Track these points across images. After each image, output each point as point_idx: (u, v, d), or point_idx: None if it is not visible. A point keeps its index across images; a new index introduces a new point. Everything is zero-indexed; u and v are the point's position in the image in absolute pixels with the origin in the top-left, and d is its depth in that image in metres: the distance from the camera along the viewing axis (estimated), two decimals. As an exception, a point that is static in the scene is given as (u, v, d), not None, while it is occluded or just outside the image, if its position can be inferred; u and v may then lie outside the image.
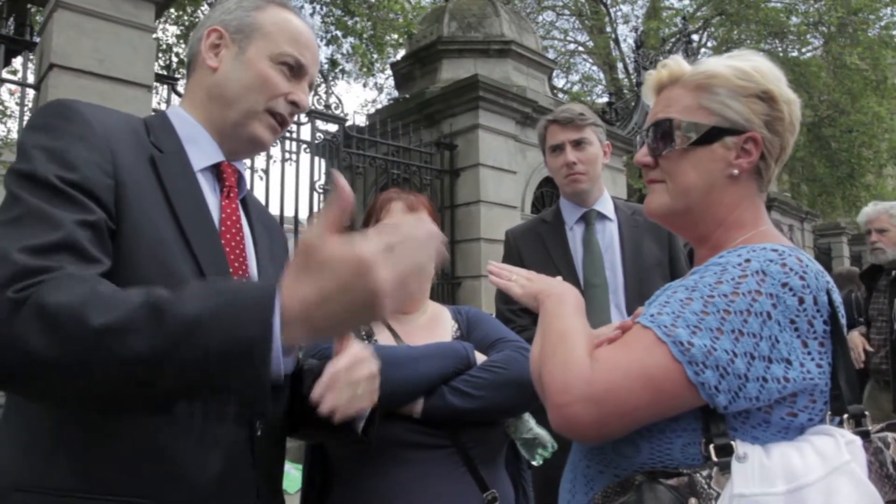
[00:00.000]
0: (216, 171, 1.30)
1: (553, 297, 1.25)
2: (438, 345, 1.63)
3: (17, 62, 6.00)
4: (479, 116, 6.80)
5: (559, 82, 18.82)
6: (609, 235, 2.48)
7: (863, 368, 4.13)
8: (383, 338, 1.71)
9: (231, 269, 1.22)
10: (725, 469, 0.94)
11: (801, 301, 1.00)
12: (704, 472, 0.95)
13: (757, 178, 1.20)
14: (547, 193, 7.84)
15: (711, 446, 0.97)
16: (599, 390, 0.98)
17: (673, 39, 12.72)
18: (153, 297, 0.85)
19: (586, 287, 2.34)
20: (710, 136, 1.16)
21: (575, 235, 2.47)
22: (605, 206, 2.54)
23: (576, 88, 18.73)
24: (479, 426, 1.60)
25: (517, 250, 2.52)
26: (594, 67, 18.46)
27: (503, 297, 2.39)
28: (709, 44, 17.83)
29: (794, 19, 15.40)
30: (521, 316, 2.33)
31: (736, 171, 1.16)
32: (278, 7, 1.35)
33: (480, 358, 1.64)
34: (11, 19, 4.42)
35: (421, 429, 1.54)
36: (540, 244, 2.48)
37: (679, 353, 0.97)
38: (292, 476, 3.95)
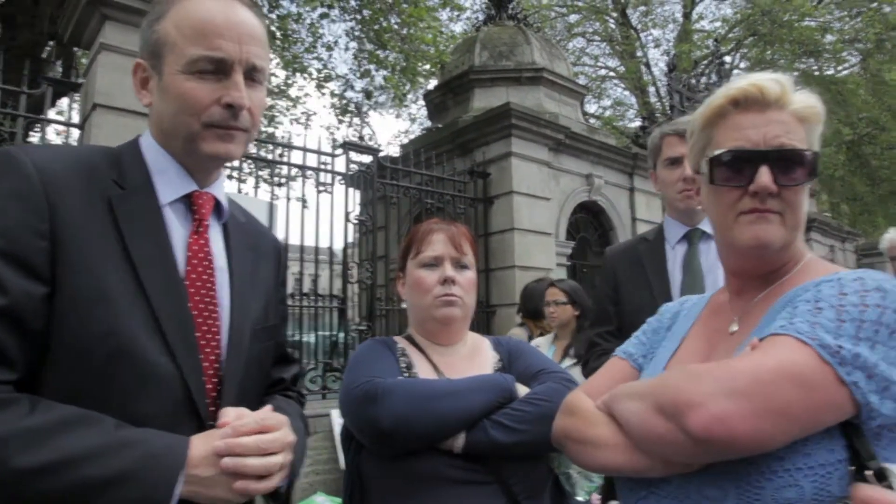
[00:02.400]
0: (188, 201, 1.26)
1: None
2: (480, 377, 1.60)
3: (64, 103, 6.25)
4: (512, 144, 6.83)
5: (591, 108, 18.84)
6: (713, 256, 2.30)
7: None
8: (424, 371, 1.69)
9: (195, 313, 1.19)
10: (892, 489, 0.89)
11: None
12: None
13: None
14: (581, 220, 7.79)
15: (868, 471, 0.91)
16: (745, 383, 0.93)
17: (705, 62, 12.64)
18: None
19: None
20: (815, 171, 1.15)
21: (676, 255, 2.36)
22: (709, 226, 2.39)
23: (608, 113, 18.71)
24: (523, 461, 1.55)
25: (613, 271, 2.46)
26: (626, 92, 18.48)
27: (593, 320, 2.41)
28: (741, 65, 17.70)
29: (829, 37, 15.21)
30: (608, 340, 2.29)
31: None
32: (177, 2, 1.23)
33: (523, 390, 1.60)
34: (59, 62, 4.60)
35: (463, 464, 1.50)
36: (637, 263, 2.38)
37: (828, 354, 0.95)
38: (330, 509, 3.93)
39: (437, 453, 1.49)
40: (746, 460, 0.96)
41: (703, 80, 10.73)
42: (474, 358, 1.76)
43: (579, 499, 1.71)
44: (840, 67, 15.82)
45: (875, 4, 14.55)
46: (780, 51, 15.67)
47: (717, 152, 1.16)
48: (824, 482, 0.94)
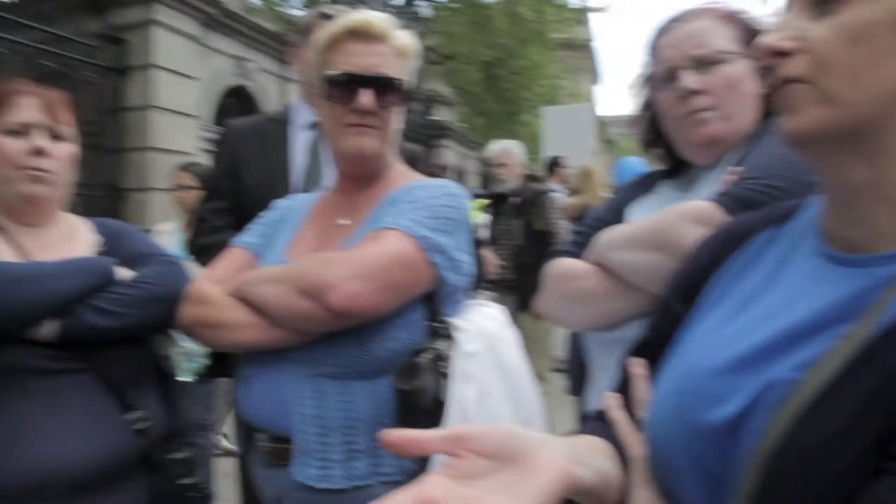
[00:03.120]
0: None
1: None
2: (73, 260, 1.50)
3: None
4: (156, 10, 6.19)
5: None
6: None
7: (495, 280, 4.98)
8: (5, 253, 1.51)
9: None
10: (450, 338, 1.30)
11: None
12: (439, 344, 1.28)
13: None
14: (231, 105, 7.54)
15: (438, 324, 1.31)
16: (370, 266, 1.22)
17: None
18: None
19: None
20: (406, 97, 1.48)
21: (301, 139, 2.32)
22: None
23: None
24: (122, 346, 1.51)
25: (234, 145, 2.33)
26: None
27: (206, 196, 2.34)
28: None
29: (483, -35, 16.60)
30: (220, 216, 2.24)
31: None
32: None
33: (126, 274, 1.54)
34: None
35: (53, 353, 1.41)
36: (261, 141, 2.30)
37: (422, 242, 1.27)
38: None
39: (21, 343, 1.38)
40: (362, 322, 1.26)
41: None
42: (69, 241, 1.61)
43: (185, 379, 1.77)
44: (489, -7, 17.50)
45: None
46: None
47: (331, 73, 1.35)
48: (413, 334, 1.30)
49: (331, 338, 1.28)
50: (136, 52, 6.26)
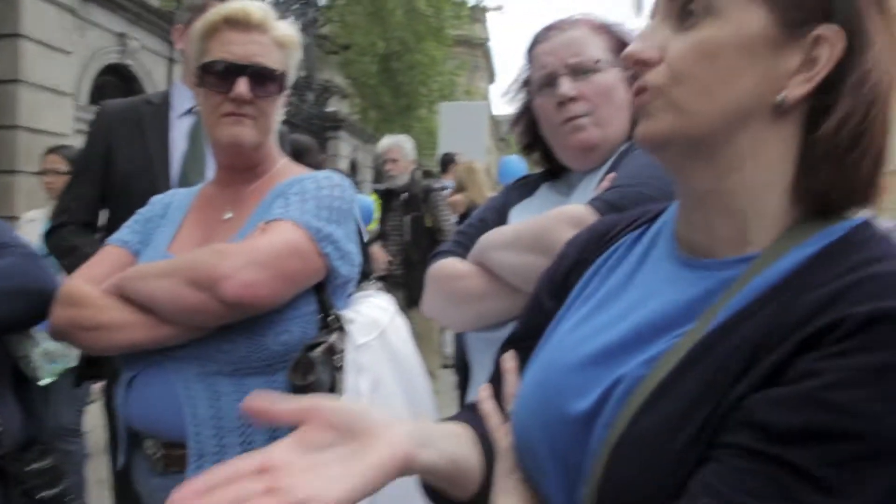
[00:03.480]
0: None
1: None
2: None
3: None
4: (24, -24, 5.70)
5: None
6: None
7: (384, 276, 4.99)
8: None
9: None
10: (342, 330, 1.31)
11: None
12: (332, 337, 1.28)
13: None
14: (110, 84, 7.08)
15: (330, 317, 1.31)
16: (263, 257, 1.20)
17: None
18: None
19: (183, 184, 2.11)
20: (284, 87, 1.44)
21: (182, 124, 2.21)
22: None
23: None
24: None
25: (108, 128, 2.18)
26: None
27: (70, 182, 2.18)
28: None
29: (381, -45, 16.48)
30: (85, 205, 2.11)
31: None
32: None
33: None
34: None
35: None
36: (138, 125, 2.17)
37: (313, 233, 1.26)
38: None
39: None
40: (253, 316, 1.23)
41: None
42: None
43: (44, 382, 1.67)
44: (386, -15, 17.42)
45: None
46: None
47: (207, 61, 1.33)
48: (305, 327, 1.29)
49: (222, 333, 1.23)
50: (1, 19, 5.74)
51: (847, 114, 0.60)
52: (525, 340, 0.81)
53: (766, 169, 0.64)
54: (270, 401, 0.57)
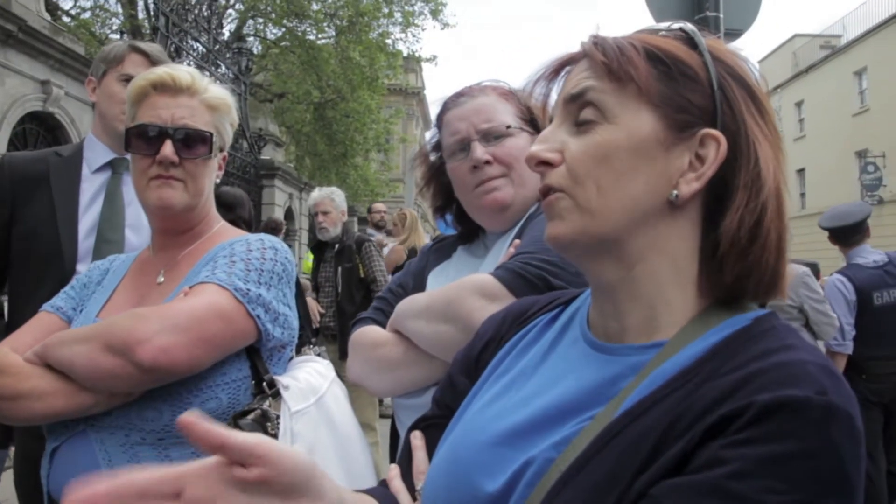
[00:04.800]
0: None
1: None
2: None
3: None
4: (-61, 23, 5.53)
5: (66, 4, 16.48)
6: None
7: (317, 328, 4.94)
8: None
9: None
10: (277, 397, 1.27)
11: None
12: (265, 403, 1.24)
13: None
14: (31, 132, 6.86)
15: (264, 383, 1.28)
16: (183, 320, 1.15)
17: (199, -9, 12.44)
18: None
19: (99, 242, 2.02)
20: (212, 149, 1.43)
21: (95, 180, 2.09)
22: None
23: (86, 16, 16.66)
24: None
25: (9, 183, 2.02)
26: (111, -2, 16.68)
27: None
28: (236, 6, 18.02)
29: (314, 6, 16.73)
30: None
31: None
32: None
33: None
34: None
35: None
36: (44, 180, 2.03)
37: (240, 295, 1.24)
38: None
39: None
40: (178, 382, 1.19)
41: (196, 10, 10.58)
42: None
43: None
44: (320, 35, 17.59)
45: (352, -11, 16.69)
46: (273, 4, 16.55)
47: (134, 125, 1.34)
48: (235, 393, 1.26)
49: (146, 401, 1.21)
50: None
51: (743, 210, 0.64)
52: (438, 418, 0.82)
53: (670, 261, 0.68)
54: (217, 426, 0.53)
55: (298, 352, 1.49)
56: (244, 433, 0.55)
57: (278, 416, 1.25)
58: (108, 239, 2.06)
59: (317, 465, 0.59)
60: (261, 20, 18.16)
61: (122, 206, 2.12)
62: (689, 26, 0.71)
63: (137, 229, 2.08)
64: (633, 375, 0.64)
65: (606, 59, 0.68)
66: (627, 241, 0.67)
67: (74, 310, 1.42)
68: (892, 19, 26.09)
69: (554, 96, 0.75)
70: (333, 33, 17.33)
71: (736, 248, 0.65)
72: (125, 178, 2.12)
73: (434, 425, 0.82)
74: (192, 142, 1.35)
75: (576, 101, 0.70)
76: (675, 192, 0.66)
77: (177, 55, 9.76)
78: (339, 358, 4.64)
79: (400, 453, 0.84)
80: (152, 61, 2.10)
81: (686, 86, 0.67)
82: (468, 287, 1.13)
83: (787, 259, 0.68)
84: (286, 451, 0.56)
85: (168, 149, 1.32)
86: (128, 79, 2.01)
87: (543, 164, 0.70)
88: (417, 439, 0.81)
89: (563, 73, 0.74)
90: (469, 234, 1.44)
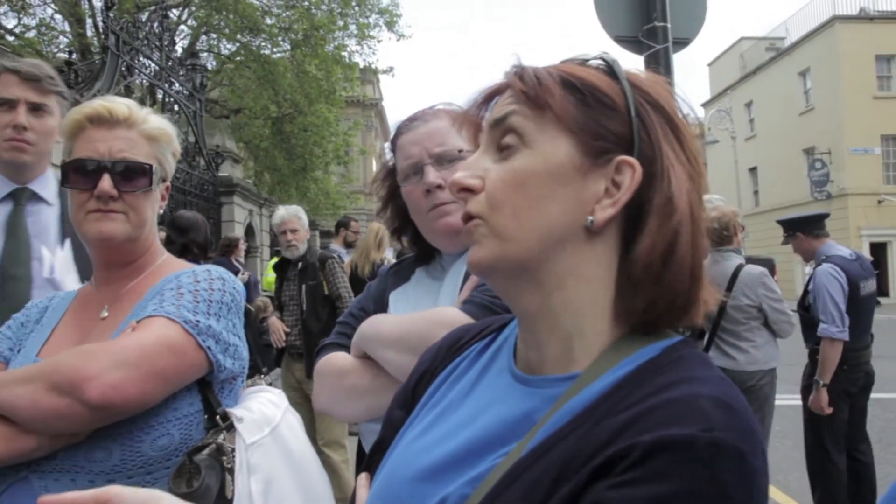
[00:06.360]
0: None
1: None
2: None
3: None
4: None
5: (9, 23, 16.07)
6: (44, 219, 2.07)
7: (283, 347, 4.88)
8: None
9: None
10: (231, 429, 1.25)
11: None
12: (220, 437, 1.22)
13: None
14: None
15: (217, 416, 1.25)
16: (132, 355, 1.13)
17: (151, 8, 12.20)
18: None
19: (4, 279, 1.95)
20: (152, 181, 1.40)
21: None
22: (46, 187, 2.12)
23: (31, 34, 16.24)
24: None
25: None
26: (58, 16, 16.29)
27: None
28: (189, 22, 17.79)
29: (268, 20, 16.60)
30: None
31: None
32: None
33: None
34: None
35: None
36: None
37: (190, 327, 1.22)
38: None
39: None
40: (128, 419, 1.15)
41: (147, 27, 10.41)
42: None
43: None
44: (276, 50, 17.44)
45: (306, 3, 16.61)
46: (226, 20, 16.36)
47: (70, 159, 1.32)
48: (188, 428, 1.23)
49: (94, 440, 1.16)
50: None
51: (656, 235, 0.64)
52: (381, 452, 0.82)
53: (587, 288, 0.68)
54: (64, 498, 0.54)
55: (250, 380, 1.48)
56: (90, 491, 0.58)
57: (233, 450, 1.22)
58: (13, 275, 1.97)
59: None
60: (214, 36, 17.98)
61: (28, 239, 2.03)
62: (610, 56, 0.73)
63: (43, 262, 2.00)
64: (546, 409, 0.64)
65: (525, 87, 0.69)
66: (545, 267, 0.68)
67: (11, 350, 1.37)
68: (831, 21, 27.08)
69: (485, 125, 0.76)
70: (289, 47, 17.21)
71: (649, 273, 0.65)
72: (28, 210, 2.05)
73: (378, 459, 0.82)
74: (132, 174, 1.33)
75: (499, 127, 0.71)
76: (590, 217, 0.66)
77: (129, 74, 9.60)
78: (307, 376, 4.60)
79: (353, 493, 0.85)
80: (24, 78, 2.00)
81: (603, 113, 0.67)
82: (435, 320, 1.14)
83: (705, 284, 0.68)
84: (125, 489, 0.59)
85: (106, 183, 1.29)
86: (2, 102, 1.97)
87: (465, 191, 0.70)
88: (362, 479, 0.82)
89: (493, 103, 0.75)
90: (426, 255, 1.45)
